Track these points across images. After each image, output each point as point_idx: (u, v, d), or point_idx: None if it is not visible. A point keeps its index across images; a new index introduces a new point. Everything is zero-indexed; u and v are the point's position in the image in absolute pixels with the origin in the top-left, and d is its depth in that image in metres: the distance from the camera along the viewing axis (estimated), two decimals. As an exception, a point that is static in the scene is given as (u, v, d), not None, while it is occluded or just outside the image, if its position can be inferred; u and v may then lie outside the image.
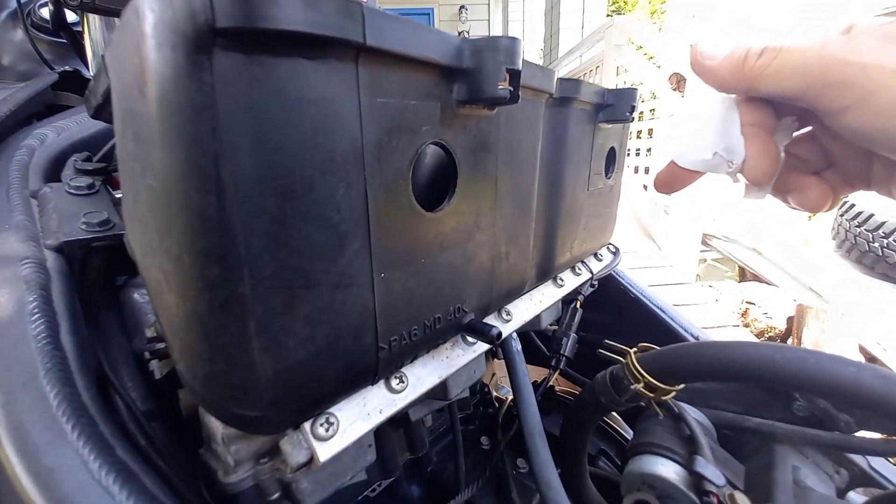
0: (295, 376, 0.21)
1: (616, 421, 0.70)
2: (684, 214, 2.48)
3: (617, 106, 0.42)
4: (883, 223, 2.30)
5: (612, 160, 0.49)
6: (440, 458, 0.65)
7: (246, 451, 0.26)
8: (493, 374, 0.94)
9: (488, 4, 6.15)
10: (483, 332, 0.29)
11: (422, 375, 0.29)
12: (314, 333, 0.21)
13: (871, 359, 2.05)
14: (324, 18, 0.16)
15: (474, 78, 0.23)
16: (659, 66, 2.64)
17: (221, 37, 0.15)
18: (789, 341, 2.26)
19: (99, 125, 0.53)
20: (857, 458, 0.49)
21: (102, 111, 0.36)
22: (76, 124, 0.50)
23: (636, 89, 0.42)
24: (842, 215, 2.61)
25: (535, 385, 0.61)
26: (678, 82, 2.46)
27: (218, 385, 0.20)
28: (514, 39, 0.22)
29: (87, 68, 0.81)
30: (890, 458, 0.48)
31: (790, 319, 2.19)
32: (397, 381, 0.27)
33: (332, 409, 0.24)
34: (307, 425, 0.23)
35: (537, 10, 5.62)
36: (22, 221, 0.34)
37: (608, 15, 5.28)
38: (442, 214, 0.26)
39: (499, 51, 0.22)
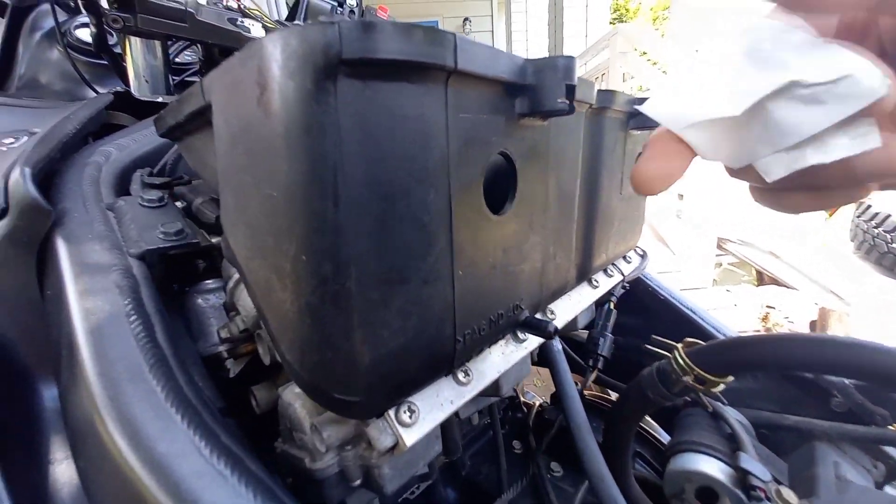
0: (387, 364, 0.23)
1: (649, 423, 0.70)
2: (697, 218, 2.48)
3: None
4: (903, 223, 2.28)
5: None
6: (473, 461, 0.66)
7: (335, 437, 0.28)
8: (529, 353, 0.94)
9: (491, 17, 6.28)
10: (540, 328, 0.31)
11: (483, 370, 0.31)
12: (405, 325, 0.23)
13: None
14: (424, 49, 0.18)
15: (536, 93, 0.25)
16: (664, 72, 2.67)
17: (346, 66, 0.17)
18: (812, 344, 2.21)
19: (153, 143, 0.57)
20: (894, 453, 0.49)
21: (176, 130, 0.39)
22: (134, 142, 0.54)
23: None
24: (859, 216, 2.58)
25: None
26: (686, 88, 2.48)
27: (324, 372, 0.22)
28: (570, 58, 0.25)
29: (129, 88, 0.87)
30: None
31: (813, 323, 2.15)
32: (463, 374, 0.29)
33: (412, 398, 0.26)
34: (391, 412, 0.25)
35: (540, 20, 5.72)
36: (104, 231, 0.38)
37: (611, 23, 5.36)
38: (505, 217, 0.28)
39: (558, 69, 0.24)
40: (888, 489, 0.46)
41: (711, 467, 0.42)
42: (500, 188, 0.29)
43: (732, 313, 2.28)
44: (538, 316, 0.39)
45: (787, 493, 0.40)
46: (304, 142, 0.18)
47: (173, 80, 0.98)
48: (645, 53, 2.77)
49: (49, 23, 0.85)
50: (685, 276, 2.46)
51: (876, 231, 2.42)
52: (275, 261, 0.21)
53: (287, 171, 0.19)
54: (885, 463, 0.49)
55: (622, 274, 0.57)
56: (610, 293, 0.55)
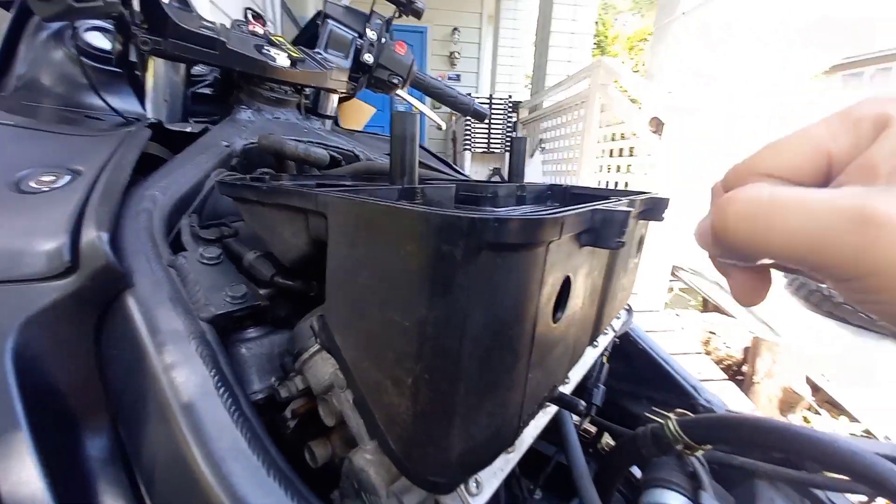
0: (470, 453, 0.29)
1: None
2: (657, 248, 2.69)
3: (654, 210, 0.52)
4: (826, 266, 2.60)
5: (641, 243, 0.60)
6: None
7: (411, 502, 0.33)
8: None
9: (480, 29, 6.39)
10: (572, 406, 0.38)
11: (524, 439, 0.37)
12: (489, 422, 0.29)
13: (815, 388, 2.30)
14: (539, 233, 0.24)
15: (599, 235, 0.32)
16: (640, 108, 2.88)
17: (487, 245, 0.23)
18: (744, 369, 2.48)
19: (189, 181, 0.58)
20: (819, 493, 0.61)
21: (248, 202, 0.43)
22: (175, 182, 0.55)
23: (669, 198, 0.53)
24: (792, 256, 2.91)
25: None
26: (658, 126, 2.69)
27: (425, 462, 0.27)
28: (627, 214, 0.31)
29: (140, 102, 0.85)
30: (845, 494, 0.60)
31: (746, 350, 2.41)
32: (511, 446, 0.35)
33: (479, 473, 0.32)
34: (463, 487, 0.31)
35: (528, 39, 5.90)
36: (173, 294, 0.40)
37: (594, 51, 5.63)
38: (560, 323, 0.34)
39: (616, 221, 0.31)
40: None
41: (677, 502, 0.51)
42: (558, 300, 0.35)
43: (679, 336, 2.50)
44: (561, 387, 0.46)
45: (737, 529, 0.49)
46: (443, 295, 0.24)
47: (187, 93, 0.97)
48: (625, 91, 2.96)
49: (56, 23, 0.81)
50: (641, 299, 2.66)
51: (804, 271, 2.74)
52: (393, 373, 0.26)
53: (426, 312, 0.24)
54: (812, 501, 0.60)
55: (614, 331, 0.65)
56: (605, 348, 0.63)
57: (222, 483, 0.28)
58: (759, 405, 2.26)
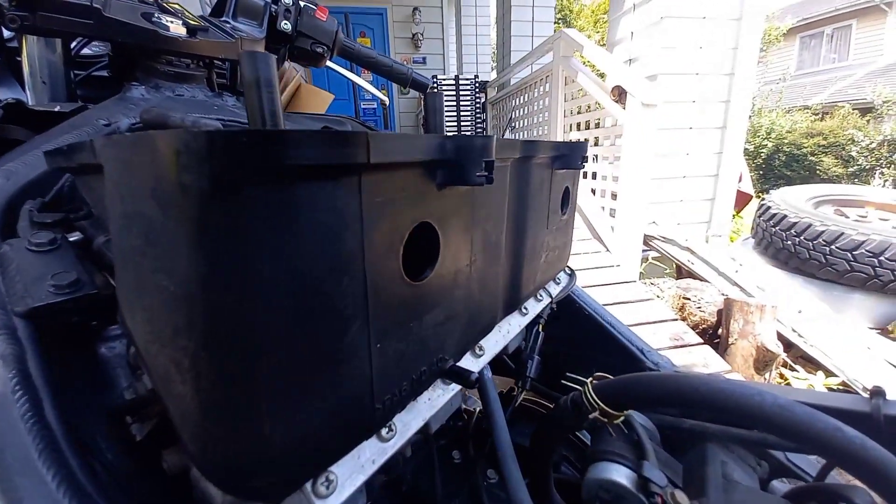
0: (301, 445, 0.23)
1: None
2: (627, 218, 2.68)
3: (570, 156, 0.47)
4: (794, 223, 2.64)
5: (566, 198, 0.55)
6: (415, 476, 0.67)
7: (250, 515, 0.27)
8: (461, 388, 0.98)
9: (441, 7, 6.21)
10: (463, 377, 0.32)
11: (408, 420, 0.32)
12: (321, 406, 0.23)
13: (788, 344, 2.35)
14: (337, 152, 0.18)
15: (456, 168, 0.26)
16: (603, 77, 2.83)
17: (254, 171, 0.17)
18: (720, 331, 2.51)
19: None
20: (776, 452, 0.58)
21: (70, 170, 0.35)
22: (24, 165, 0.47)
23: (587, 142, 0.48)
24: (760, 216, 2.95)
25: (504, 397, 0.65)
26: (620, 95, 2.65)
27: (232, 464, 0.21)
28: (489, 138, 0.26)
29: (22, 89, 0.75)
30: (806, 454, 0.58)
31: (719, 312, 2.44)
32: (387, 430, 0.30)
33: (332, 468, 0.26)
34: (308, 486, 0.25)
35: (492, 12, 5.77)
36: None
37: (556, 22, 5.54)
38: (427, 281, 0.29)
39: (475, 149, 0.25)
40: (774, 484, 0.54)
41: (620, 475, 0.47)
42: (423, 251, 0.30)
43: (657, 304, 2.51)
44: (466, 356, 0.41)
45: (681, 497, 0.45)
46: (201, 242, 0.18)
47: (77, 74, 0.87)
48: (588, 63, 2.91)
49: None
50: (618, 271, 2.66)
51: (773, 230, 2.78)
52: (173, 354, 0.20)
53: (184, 268, 0.18)
54: (769, 461, 0.58)
55: (550, 296, 0.60)
56: (539, 315, 0.58)
57: (5, 499, 0.23)
58: (736, 365, 2.29)
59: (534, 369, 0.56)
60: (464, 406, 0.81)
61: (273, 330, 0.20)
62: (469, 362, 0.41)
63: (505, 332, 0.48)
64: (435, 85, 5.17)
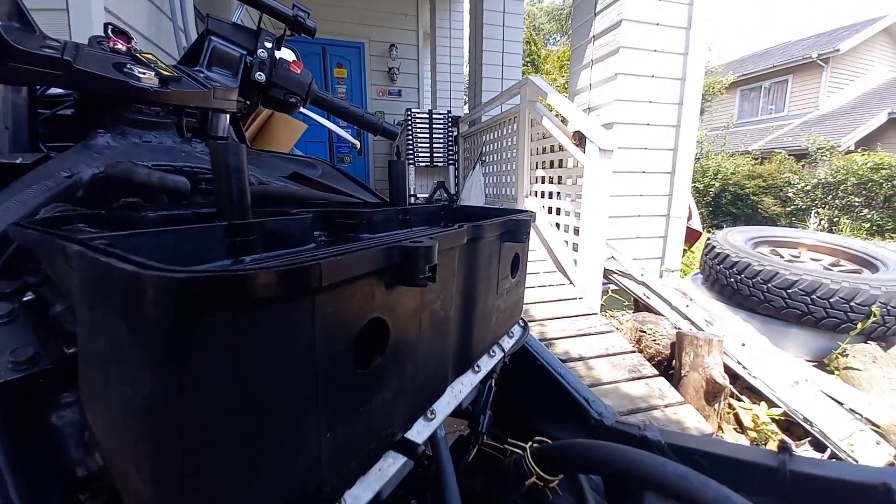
0: (251, 535, 0.25)
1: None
2: (588, 252, 2.82)
3: (516, 231, 0.52)
4: (735, 262, 2.87)
5: (516, 263, 0.60)
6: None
7: None
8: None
9: (417, 45, 6.49)
10: (410, 451, 0.35)
11: (357, 494, 0.34)
12: (269, 496, 0.25)
13: (734, 376, 2.50)
14: (293, 282, 0.22)
15: (403, 271, 0.30)
16: (565, 122, 3.04)
17: (217, 305, 0.20)
18: (673, 363, 2.64)
19: (6, 217, 0.50)
20: None
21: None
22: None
23: (530, 218, 0.53)
24: (706, 255, 3.19)
25: (459, 444, 0.68)
26: (580, 139, 2.84)
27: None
28: (431, 246, 0.30)
29: None
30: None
31: (672, 345, 2.57)
32: (336, 506, 0.32)
33: (280, 550, 0.28)
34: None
35: (465, 54, 6.08)
36: None
37: (524, 65, 5.91)
38: (376, 367, 0.32)
39: (420, 256, 0.29)
40: None
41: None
42: (372, 338, 0.33)
43: (616, 336, 2.62)
44: (418, 421, 0.44)
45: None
46: (166, 364, 0.20)
47: (42, 114, 0.86)
48: (551, 107, 3.12)
49: None
50: (581, 304, 2.77)
51: (718, 268, 3.00)
52: (134, 455, 0.22)
53: (149, 385, 0.21)
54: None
55: (503, 351, 0.65)
56: (492, 371, 0.62)
57: None
58: (689, 397, 2.41)
59: (486, 424, 0.60)
60: (427, 451, 0.83)
61: (229, 436, 0.22)
62: (421, 426, 0.44)
63: (457, 393, 0.51)
64: (409, 120, 5.33)
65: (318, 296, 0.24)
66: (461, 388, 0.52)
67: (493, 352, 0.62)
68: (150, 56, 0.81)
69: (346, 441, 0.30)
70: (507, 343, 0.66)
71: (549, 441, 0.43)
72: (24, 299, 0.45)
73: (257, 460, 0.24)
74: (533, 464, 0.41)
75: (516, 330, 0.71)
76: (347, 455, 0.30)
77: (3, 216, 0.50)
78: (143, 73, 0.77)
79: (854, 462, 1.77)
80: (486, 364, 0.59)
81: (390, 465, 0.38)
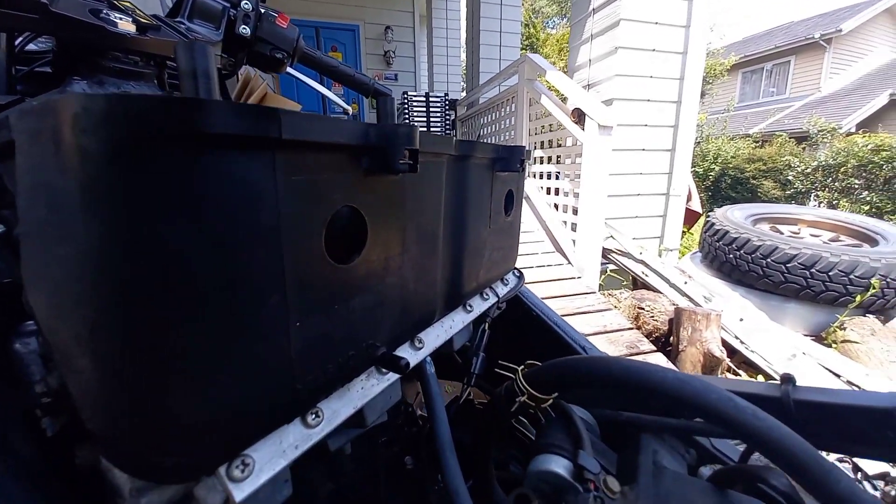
0: (213, 424, 0.23)
1: (525, 426, 0.78)
2: (587, 232, 2.80)
3: (509, 160, 0.50)
4: (735, 238, 2.85)
5: (510, 200, 0.57)
6: (366, 484, 0.66)
7: (157, 502, 0.26)
8: (418, 394, 0.98)
9: (413, 28, 6.36)
10: (393, 363, 0.33)
11: (337, 408, 0.32)
12: (234, 383, 0.23)
13: (732, 350, 2.50)
14: (249, 124, 0.19)
15: (380, 154, 0.27)
16: (564, 100, 2.99)
17: (163, 138, 0.18)
18: (671, 339, 2.64)
19: None
20: (703, 440, 0.62)
21: None
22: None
23: (524, 147, 0.51)
24: (706, 232, 3.16)
25: (454, 401, 0.66)
26: (579, 116, 2.80)
27: (135, 440, 0.21)
28: (412, 127, 0.27)
29: None
30: (729, 440, 0.62)
31: (670, 321, 2.57)
32: (313, 416, 0.30)
33: (248, 451, 0.26)
34: (222, 469, 0.25)
35: (462, 34, 5.97)
36: None
37: (522, 49, 5.82)
38: (353, 265, 0.29)
39: (399, 136, 0.27)
40: (702, 469, 0.57)
41: (558, 466, 0.48)
42: (352, 237, 0.31)
43: (614, 313, 2.61)
44: (403, 347, 0.42)
45: (612, 482, 0.48)
46: (101, 207, 0.18)
47: (20, 70, 0.82)
48: (550, 85, 3.07)
49: None
50: (579, 283, 2.76)
51: (717, 244, 2.98)
52: (75, 326, 0.20)
53: (85, 235, 0.18)
54: (697, 449, 0.61)
55: (497, 296, 0.62)
56: (486, 314, 0.60)
57: None
58: (686, 371, 2.41)
59: (479, 366, 0.58)
60: (420, 412, 0.81)
61: (178, 301, 0.20)
62: (408, 353, 0.42)
63: (447, 328, 0.49)
64: (406, 101, 5.25)
65: (279, 152, 0.22)
66: (451, 325, 0.50)
67: (487, 294, 0.60)
68: (127, 3, 0.78)
69: (319, 338, 0.28)
70: (502, 290, 0.64)
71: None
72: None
73: (216, 332, 0.22)
74: (524, 383, 0.39)
75: (511, 278, 0.69)
76: (322, 355, 0.28)
77: None
78: (120, 19, 0.73)
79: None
80: (479, 306, 0.57)
81: (374, 385, 0.36)
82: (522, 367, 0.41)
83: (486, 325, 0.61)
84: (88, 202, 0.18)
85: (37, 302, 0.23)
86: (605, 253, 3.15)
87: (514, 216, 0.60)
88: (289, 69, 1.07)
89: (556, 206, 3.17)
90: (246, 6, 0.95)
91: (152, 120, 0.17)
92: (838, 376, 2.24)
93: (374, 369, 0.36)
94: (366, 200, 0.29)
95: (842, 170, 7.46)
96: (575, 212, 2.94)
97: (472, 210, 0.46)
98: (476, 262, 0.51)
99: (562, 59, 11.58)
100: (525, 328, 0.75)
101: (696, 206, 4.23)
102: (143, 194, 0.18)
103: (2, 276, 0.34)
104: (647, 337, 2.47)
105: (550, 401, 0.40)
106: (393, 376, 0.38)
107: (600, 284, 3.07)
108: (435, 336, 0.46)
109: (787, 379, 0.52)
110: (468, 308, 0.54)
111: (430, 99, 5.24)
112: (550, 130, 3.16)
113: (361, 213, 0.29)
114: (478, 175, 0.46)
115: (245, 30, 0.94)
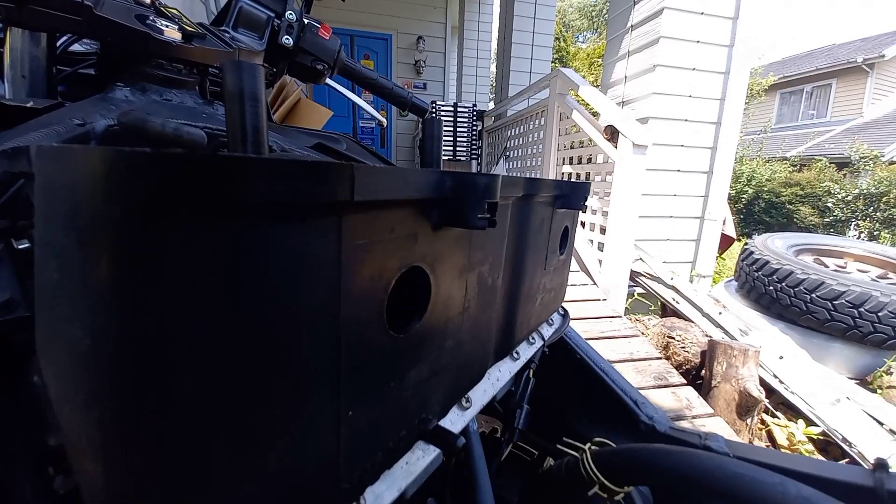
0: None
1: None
2: (615, 253, 2.70)
3: (572, 196, 0.44)
4: (776, 270, 2.68)
5: (565, 238, 0.52)
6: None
7: None
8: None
9: (445, 38, 6.41)
10: (445, 441, 0.28)
11: (380, 492, 0.27)
12: (270, 489, 0.18)
13: (769, 390, 2.34)
14: (312, 187, 0.15)
15: (455, 207, 0.23)
16: (596, 115, 2.91)
17: (199, 208, 0.13)
18: (703, 373, 2.50)
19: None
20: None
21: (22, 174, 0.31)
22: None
23: (590, 184, 0.45)
24: (743, 261, 3.00)
25: (489, 441, 0.60)
26: (612, 134, 2.72)
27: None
28: (493, 177, 0.23)
29: (2, 82, 0.71)
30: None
31: (703, 353, 2.43)
32: (355, 506, 0.25)
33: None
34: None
35: (492, 49, 5.97)
36: None
37: (552, 62, 5.77)
38: (412, 333, 0.25)
39: (478, 187, 0.22)
40: None
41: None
42: (409, 297, 0.26)
43: (641, 340, 2.49)
44: (453, 409, 0.37)
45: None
46: (120, 285, 0.14)
47: (61, 71, 0.83)
48: (582, 101, 3.00)
49: None
50: (604, 305, 2.65)
51: (756, 275, 2.82)
52: (84, 424, 0.16)
53: (100, 317, 0.14)
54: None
55: (543, 339, 0.57)
56: (531, 360, 0.55)
57: None
58: (718, 409, 2.27)
59: (523, 420, 0.52)
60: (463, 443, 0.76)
61: (209, 407, 0.16)
62: (454, 415, 0.37)
63: (494, 381, 0.44)
64: (433, 110, 5.27)
65: (346, 215, 0.17)
66: (499, 376, 0.45)
67: (533, 339, 0.54)
68: (174, 11, 0.77)
69: (371, 424, 0.23)
70: (547, 331, 0.59)
71: (611, 444, 0.36)
72: (20, 247, 0.40)
73: (250, 443, 0.17)
74: (595, 470, 0.33)
75: (556, 318, 0.63)
76: (372, 443, 0.24)
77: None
78: (167, 27, 0.72)
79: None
80: (526, 352, 0.52)
81: (419, 459, 0.31)
82: (589, 445, 0.36)
83: (531, 372, 0.55)
84: (100, 284, 0.14)
85: (48, 376, 0.20)
86: (633, 276, 3.03)
87: (566, 254, 0.55)
88: (327, 80, 1.05)
89: (583, 224, 3.08)
90: (290, 17, 0.93)
91: (187, 186, 0.13)
92: (881, 424, 2.05)
93: (420, 441, 0.31)
94: (431, 258, 0.25)
95: (884, 199, 7.03)
96: (603, 231, 2.84)
97: (531, 253, 0.41)
98: (529, 309, 0.46)
99: (591, 74, 11.46)
100: (568, 372, 0.68)
101: (731, 230, 4.04)
102: (172, 275, 0.14)
103: (19, 310, 0.31)
104: (676, 368, 2.35)
105: (624, 493, 0.34)
106: (432, 450, 0.33)
107: (626, 308, 2.95)
108: (482, 392, 0.41)
109: (881, 465, 0.44)
110: (515, 356, 0.49)
111: (458, 109, 5.24)
112: (581, 146, 3.09)
113: (426, 272, 0.24)
114: (539, 214, 0.41)
115: (288, 40, 0.93)
